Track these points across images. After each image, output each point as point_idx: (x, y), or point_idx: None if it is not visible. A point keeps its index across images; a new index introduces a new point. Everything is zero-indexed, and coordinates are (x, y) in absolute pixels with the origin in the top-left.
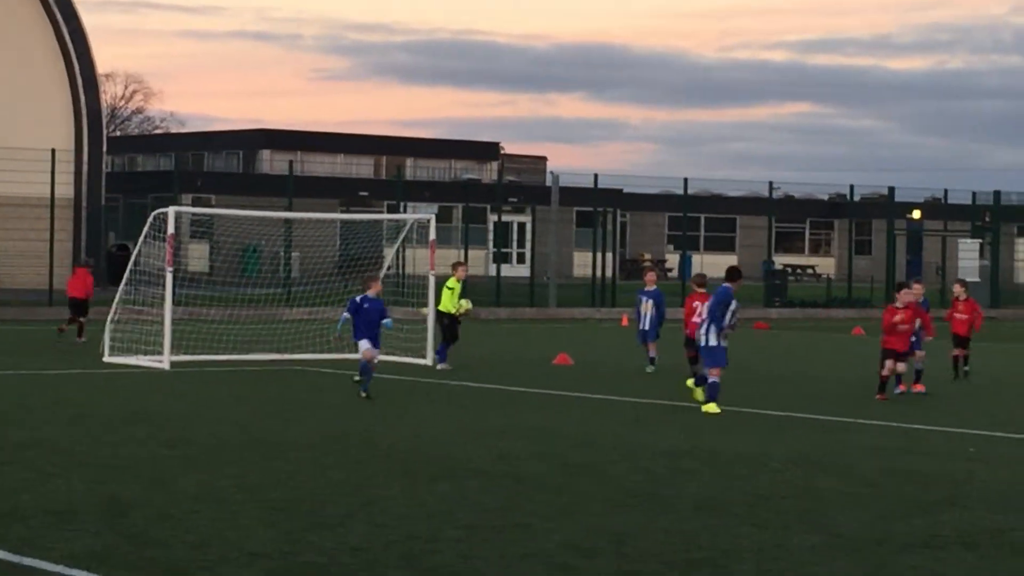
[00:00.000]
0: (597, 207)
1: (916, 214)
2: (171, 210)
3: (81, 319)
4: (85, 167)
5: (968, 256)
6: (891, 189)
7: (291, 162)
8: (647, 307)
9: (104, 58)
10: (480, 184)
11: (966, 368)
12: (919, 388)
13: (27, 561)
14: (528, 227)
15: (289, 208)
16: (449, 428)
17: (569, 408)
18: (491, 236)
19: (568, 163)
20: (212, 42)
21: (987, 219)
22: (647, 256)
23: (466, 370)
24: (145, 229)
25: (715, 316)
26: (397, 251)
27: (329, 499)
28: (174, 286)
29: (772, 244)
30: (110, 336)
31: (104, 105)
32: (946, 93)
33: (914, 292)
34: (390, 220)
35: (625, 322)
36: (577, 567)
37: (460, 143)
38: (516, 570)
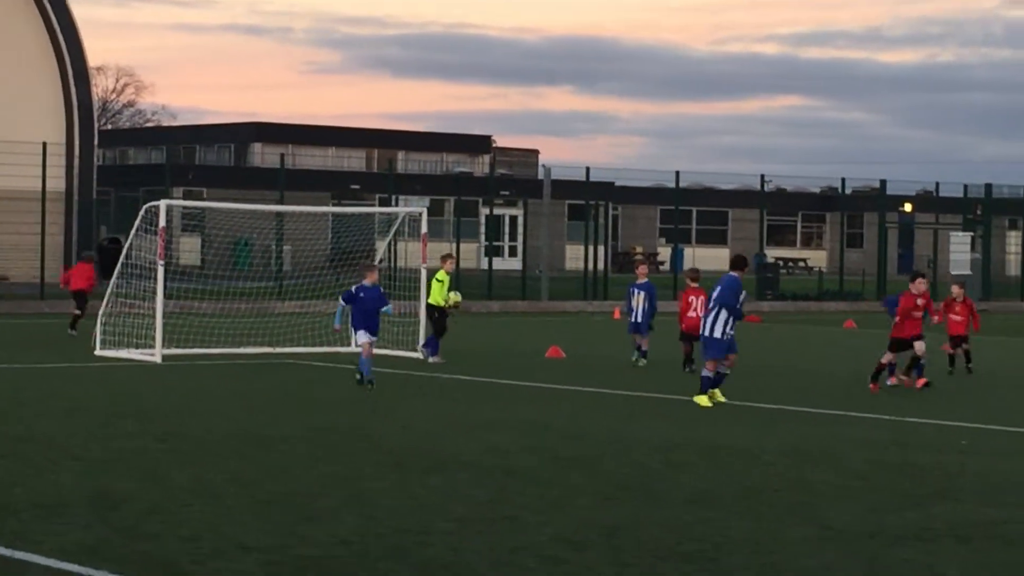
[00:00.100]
0: (589, 200)
1: (907, 207)
2: (162, 203)
3: (78, 312)
4: (76, 160)
5: (960, 249)
6: (883, 182)
7: (282, 155)
8: (639, 300)
9: (95, 51)
10: (472, 177)
11: (969, 365)
12: (922, 382)
13: (18, 555)
14: (520, 220)
15: (280, 201)
16: (440, 421)
17: (561, 401)
18: (483, 229)
19: (558, 156)
20: (203, 35)
21: (978, 212)
22: (639, 249)
23: (457, 363)
24: (137, 222)
25: (728, 303)
26: (389, 244)
27: (321, 492)
28: (166, 279)
29: (764, 237)
30: (101, 330)
31: (95, 98)
32: (937, 86)
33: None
34: (382, 213)
35: (617, 315)
36: (568, 560)
37: (452, 136)
38: (507, 563)
